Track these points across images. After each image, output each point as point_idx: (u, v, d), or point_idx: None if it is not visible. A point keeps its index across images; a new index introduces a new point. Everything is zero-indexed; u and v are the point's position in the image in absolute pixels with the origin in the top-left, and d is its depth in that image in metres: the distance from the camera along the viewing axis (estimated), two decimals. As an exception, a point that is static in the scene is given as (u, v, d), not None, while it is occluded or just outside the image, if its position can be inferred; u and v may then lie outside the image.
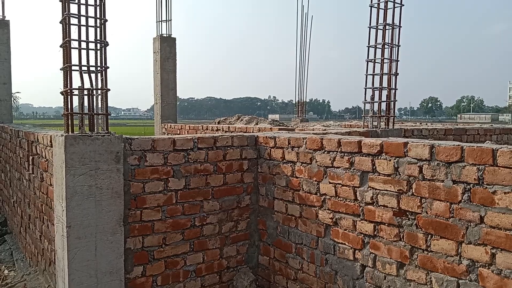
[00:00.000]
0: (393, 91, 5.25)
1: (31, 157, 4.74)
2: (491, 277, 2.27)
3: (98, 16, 3.23)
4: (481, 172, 2.29)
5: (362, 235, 2.98)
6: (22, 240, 5.56)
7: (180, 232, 3.58)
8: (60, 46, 3.20)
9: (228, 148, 3.80)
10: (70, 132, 3.17)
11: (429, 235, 2.56)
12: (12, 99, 8.97)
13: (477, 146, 2.32)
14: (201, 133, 7.69)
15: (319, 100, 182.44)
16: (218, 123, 8.86)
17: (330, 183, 3.21)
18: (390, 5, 5.10)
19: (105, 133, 3.23)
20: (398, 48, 5.23)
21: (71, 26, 3.16)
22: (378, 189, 2.84)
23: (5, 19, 8.45)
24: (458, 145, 2.41)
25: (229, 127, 7.09)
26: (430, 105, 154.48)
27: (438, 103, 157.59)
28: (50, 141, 3.71)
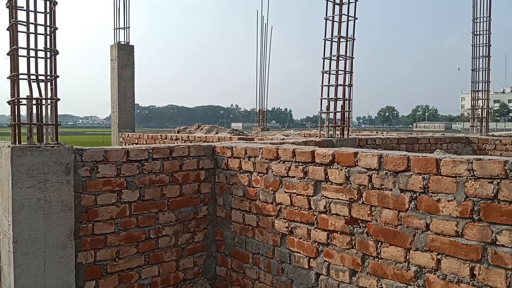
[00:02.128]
0: (348, 101, 5.40)
1: (-24, 169, 4.52)
2: (437, 282, 2.36)
3: (47, 23, 3.14)
4: (426, 181, 2.38)
5: (316, 243, 3.03)
6: (-34, 257, 5.27)
7: (134, 245, 3.50)
8: (7, 54, 3.08)
9: (185, 158, 3.77)
10: (17, 143, 3.05)
11: (379, 243, 2.63)
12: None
13: (422, 156, 2.42)
14: (160, 142, 7.59)
15: (281, 109, 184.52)
16: (178, 132, 8.78)
17: (285, 192, 3.25)
18: (344, 18, 5.25)
19: (54, 144, 3.12)
20: (352, 60, 5.39)
21: (19, 33, 3.05)
22: (331, 198, 2.90)
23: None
24: (405, 155, 2.50)
25: (188, 136, 7.03)
26: (387, 114, 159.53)
27: (395, 112, 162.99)
28: (-4, 152, 3.55)
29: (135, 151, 3.49)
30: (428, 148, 6.67)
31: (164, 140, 7.57)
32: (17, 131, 3.07)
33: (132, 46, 9.03)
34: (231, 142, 4.35)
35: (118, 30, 8.96)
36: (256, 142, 4.42)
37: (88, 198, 3.25)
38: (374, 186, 2.63)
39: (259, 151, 3.48)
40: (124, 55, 8.80)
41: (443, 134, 8.19)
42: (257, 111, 15.21)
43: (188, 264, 3.84)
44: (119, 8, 9.00)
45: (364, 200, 2.70)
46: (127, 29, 8.96)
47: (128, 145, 7.68)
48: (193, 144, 3.90)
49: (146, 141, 7.92)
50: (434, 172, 2.36)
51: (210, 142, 5.59)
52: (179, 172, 3.74)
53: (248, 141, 4.78)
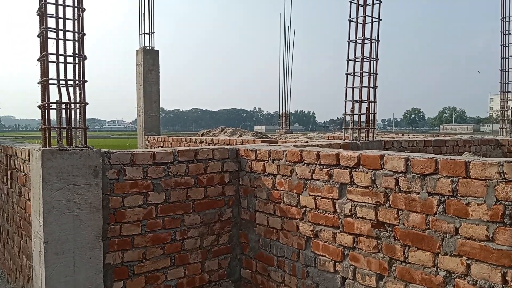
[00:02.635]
0: (373, 103, 5.33)
1: (9, 171, 4.67)
2: (467, 288, 2.30)
3: (76, 30, 3.22)
4: (455, 184, 2.33)
5: (342, 247, 3.00)
6: (0, 256, 5.44)
7: (160, 246, 3.55)
8: (38, 60, 3.18)
9: (209, 161, 3.80)
10: (47, 147, 3.13)
11: (407, 247, 2.59)
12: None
13: (450, 159, 2.37)
14: (184, 145, 7.67)
15: (304, 112, 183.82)
16: (202, 135, 8.85)
17: (310, 195, 3.23)
18: (368, 19, 5.20)
19: (83, 147, 3.20)
20: (376, 62, 5.32)
21: (49, 39, 3.14)
22: (357, 201, 2.87)
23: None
24: (433, 157, 2.45)
25: (212, 139, 7.09)
26: (413, 116, 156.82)
27: (421, 114, 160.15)
28: (28, 155, 3.66)
29: (161, 154, 3.53)
30: (456, 151, 6.51)
31: (188, 143, 7.65)
32: (47, 135, 3.16)
33: (157, 51, 9.17)
34: (255, 145, 4.36)
35: (143, 35, 9.12)
36: (279, 145, 4.42)
37: (116, 200, 3.31)
38: (401, 189, 2.59)
39: (283, 154, 3.48)
40: (149, 60, 8.95)
41: (472, 136, 8.00)
42: (280, 114, 15.19)
43: (213, 266, 3.86)
44: (144, 13, 9.17)
45: (390, 203, 2.65)
46: (152, 34, 9.11)
47: (154, 148, 7.79)
48: (217, 147, 3.93)
49: (171, 144, 8.02)
50: (463, 175, 2.30)
51: (233, 145, 5.62)
52: (204, 174, 3.77)
53: (271, 144, 4.78)
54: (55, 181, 3.03)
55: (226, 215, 3.93)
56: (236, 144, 5.79)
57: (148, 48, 9.05)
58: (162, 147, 8.14)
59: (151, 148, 8.25)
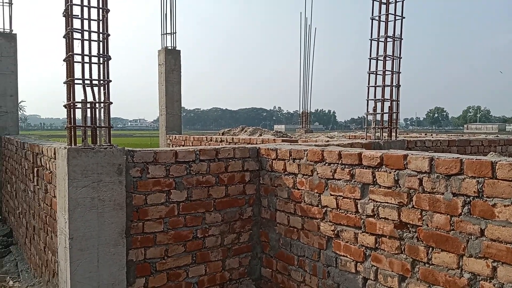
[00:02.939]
0: (395, 102, 5.26)
1: (35, 169, 4.79)
2: (492, 291, 2.25)
3: (100, 30, 3.28)
4: (481, 185, 2.28)
5: (364, 247, 2.97)
6: (27, 251, 5.59)
7: (182, 244, 3.59)
8: (64, 60, 3.25)
9: (230, 160, 3.82)
10: (73, 145, 3.20)
11: (430, 248, 2.55)
12: (19, 110, 9.07)
13: (476, 159, 2.32)
14: (205, 144, 7.73)
15: (324, 111, 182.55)
16: (222, 134, 8.89)
17: (331, 195, 3.21)
18: (391, 17, 5.13)
19: (107, 145, 3.26)
20: (399, 60, 5.25)
21: (74, 40, 3.21)
22: (379, 202, 2.84)
23: (13, 32, 8.59)
24: (458, 157, 2.41)
25: (232, 138, 7.12)
26: (436, 115, 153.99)
27: (445, 113, 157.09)
28: (54, 154, 3.75)
29: (183, 152, 3.57)
30: (481, 151, 6.37)
31: (209, 142, 7.70)
32: (73, 133, 3.23)
33: (179, 51, 9.26)
34: (275, 144, 4.36)
35: (165, 35, 9.22)
36: (300, 144, 4.41)
37: (139, 197, 3.37)
38: (425, 189, 2.55)
39: (304, 153, 3.47)
40: (171, 60, 9.04)
41: (497, 136, 7.81)
42: (300, 113, 15.14)
43: (233, 264, 3.88)
44: (166, 14, 9.26)
45: (414, 204, 2.62)
46: (174, 34, 9.19)
47: (175, 146, 7.88)
48: (238, 146, 3.95)
49: (192, 143, 8.09)
50: (489, 176, 2.25)
51: (254, 144, 5.63)
52: (225, 173, 3.80)
53: (292, 143, 4.78)
54: (80, 178, 3.09)
55: (247, 213, 3.94)
56: (256, 143, 5.80)
57: (170, 48, 9.14)
58: (183, 146, 8.22)
59: (172, 146, 8.34)
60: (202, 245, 3.69)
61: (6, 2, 8.61)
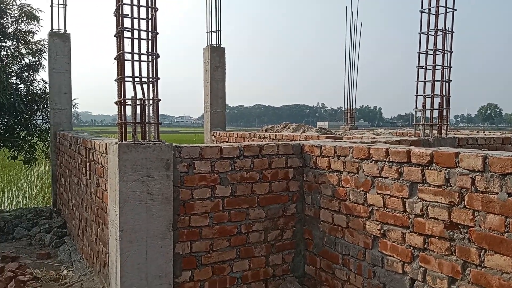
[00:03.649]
0: (446, 98, 5.06)
1: (88, 163, 5.01)
2: (552, 297, 2.13)
3: (149, 29, 3.37)
4: (540, 185, 2.16)
5: (412, 248, 2.89)
6: (79, 242, 5.86)
7: (226, 238, 3.64)
8: (115, 59, 3.37)
9: (274, 157, 3.82)
10: (123, 140, 3.32)
11: (483, 250, 2.44)
12: (72, 107, 9.51)
13: (535, 157, 2.20)
14: (248, 141, 7.78)
15: (370, 107, 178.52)
16: (265, 131, 8.91)
17: (378, 193, 3.15)
18: (441, 10, 4.93)
19: (156, 141, 3.35)
20: (450, 54, 5.04)
21: (125, 39, 3.32)
22: (428, 201, 2.75)
23: (67, 32, 9.01)
24: (514, 156, 2.29)
25: (276, 135, 7.12)
26: (488, 111, 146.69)
27: (498, 110, 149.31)
28: (105, 149, 3.91)
29: (228, 148, 3.62)
30: (540, 149, 6.02)
31: (252, 138, 7.75)
32: (123, 129, 3.35)
33: (224, 48, 9.36)
34: (320, 141, 4.32)
35: (210, 33, 9.34)
36: (345, 141, 4.34)
37: (186, 192, 3.45)
38: (478, 189, 2.44)
39: (349, 150, 3.41)
40: (216, 57, 9.15)
41: (558, 134, 7.33)
42: (345, 109, 14.88)
43: (277, 261, 3.90)
44: (211, 11, 9.38)
45: (466, 204, 2.51)
46: (219, 32, 9.30)
47: (219, 143, 7.98)
48: (281, 143, 3.95)
49: (235, 139, 8.17)
50: (550, 176, 2.12)
51: (297, 140, 5.60)
52: (268, 169, 3.81)
53: (336, 140, 4.71)
54: (130, 173, 3.20)
55: (290, 210, 3.94)
56: (299, 140, 5.77)
57: (214, 45, 9.26)
58: (227, 142, 8.31)
59: (216, 143, 8.46)
60: (246, 240, 3.73)
61: (61, 4, 9.03)
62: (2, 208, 12.01)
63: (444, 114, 5.12)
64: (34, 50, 10.22)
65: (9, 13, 9.60)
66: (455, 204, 2.58)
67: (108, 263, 3.82)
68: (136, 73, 3.35)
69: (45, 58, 10.18)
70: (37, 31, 10.15)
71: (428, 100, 5.03)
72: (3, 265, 4.89)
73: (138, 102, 3.36)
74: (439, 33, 4.97)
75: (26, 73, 10.53)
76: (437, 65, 4.98)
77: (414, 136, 5.32)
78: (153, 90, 3.40)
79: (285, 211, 3.91)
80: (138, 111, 3.37)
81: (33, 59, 10.41)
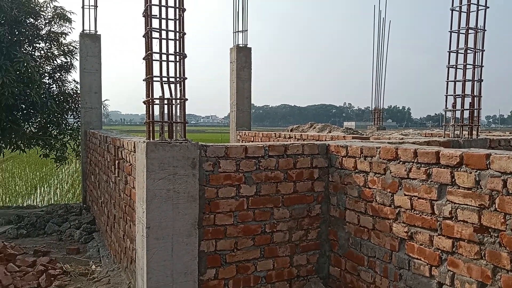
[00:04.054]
0: (477, 98, 4.93)
1: (117, 161, 5.12)
2: None
3: (177, 29, 3.42)
4: None
5: (440, 251, 2.83)
6: (107, 238, 6.00)
7: (251, 237, 3.65)
8: (143, 59, 3.43)
9: (299, 156, 3.81)
10: (151, 139, 3.38)
11: (515, 255, 2.36)
12: (102, 106, 9.73)
13: None
14: (273, 140, 7.78)
15: (398, 107, 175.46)
16: (291, 130, 8.89)
17: (405, 195, 3.09)
18: (473, 7, 4.80)
19: (182, 140, 3.40)
20: (482, 53, 4.90)
21: (153, 39, 3.38)
22: (457, 203, 2.68)
23: (97, 33, 9.22)
24: (550, 158, 2.21)
25: (301, 134, 7.09)
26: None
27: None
28: (134, 147, 3.99)
29: (253, 148, 3.63)
30: None
31: (278, 138, 7.74)
32: (151, 128, 3.40)
33: (250, 48, 9.38)
34: (346, 141, 4.28)
35: (237, 33, 9.38)
36: (372, 141, 4.28)
37: (211, 191, 3.48)
38: (510, 192, 2.36)
39: (376, 151, 3.37)
40: (242, 57, 9.19)
41: None
42: (372, 109, 14.67)
43: (301, 261, 3.88)
44: (238, 12, 9.42)
45: (497, 207, 2.44)
46: (245, 32, 9.33)
47: (245, 142, 8.01)
48: (307, 143, 3.93)
49: (261, 139, 8.18)
50: None
51: (323, 140, 5.57)
52: (293, 169, 3.80)
53: (363, 140, 4.65)
54: (158, 171, 3.26)
55: (315, 211, 3.92)
56: (325, 140, 5.73)
57: (241, 45, 9.29)
58: (252, 142, 8.34)
59: (242, 142, 8.49)
60: (270, 240, 3.74)
61: (92, 5, 9.26)
62: (35, 204, 12.42)
63: (475, 115, 4.98)
64: (66, 51, 10.51)
65: (43, 15, 9.90)
66: (486, 207, 2.51)
67: (135, 259, 3.89)
68: (164, 73, 3.40)
69: (76, 59, 10.46)
70: (69, 32, 10.43)
71: (459, 100, 4.91)
72: (35, 259, 5.05)
73: (165, 101, 3.41)
74: (470, 31, 4.84)
75: (58, 74, 10.84)
76: (468, 64, 4.85)
77: (444, 137, 5.20)
78: (180, 90, 3.44)
79: (310, 211, 3.89)
80: (166, 111, 3.42)
81: (65, 60, 10.71)
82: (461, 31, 4.87)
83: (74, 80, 11.04)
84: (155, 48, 3.39)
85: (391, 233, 3.22)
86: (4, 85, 7.93)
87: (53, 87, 10.86)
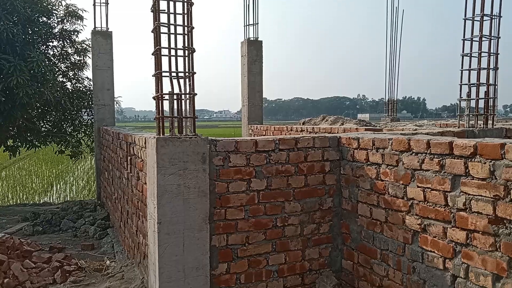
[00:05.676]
0: (492, 87, 4.82)
1: (129, 157, 5.15)
2: None
3: (185, 24, 3.40)
4: None
5: (453, 243, 2.78)
6: (121, 234, 6.06)
7: (262, 231, 3.64)
8: (152, 54, 3.43)
9: (310, 149, 3.78)
10: (161, 135, 3.38)
11: (532, 247, 2.30)
12: (115, 103, 9.79)
13: None
14: (285, 134, 7.73)
15: (413, 98, 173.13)
16: (303, 124, 8.84)
17: (418, 187, 3.04)
18: (488, -6, 4.69)
19: (192, 135, 3.39)
20: (497, 41, 4.79)
21: (162, 34, 3.37)
22: (472, 194, 2.62)
23: (109, 30, 9.27)
24: None
25: (313, 128, 7.04)
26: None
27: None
28: (145, 143, 4.00)
29: (263, 142, 3.61)
30: None
31: (289, 131, 7.70)
32: (161, 124, 3.41)
33: (261, 42, 9.32)
34: (357, 133, 4.22)
35: (247, 26, 9.33)
36: (384, 133, 4.23)
37: (221, 185, 3.47)
38: (526, 182, 2.30)
39: (388, 142, 3.31)
40: (253, 51, 9.13)
41: None
42: (386, 100, 14.51)
43: (313, 255, 3.86)
44: (248, 5, 9.36)
45: (512, 197, 2.38)
46: (256, 25, 9.27)
47: (257, 136, 7.99)
48: (317, 135, 3.89)
49: (273, 133, 8.15)
50: None
51: (335, 133, 5.51)
52: (304, 163, 3.77)
53: (375, 132, 4.59)
54: (168, 166, 3.26)
55: (327, 204, 3.88)
56: (337, 133, 5.67)
57: (252, 39, 9.24)
58: (264, 135, 8.31)
59: (254, 136, 8.47)
60: (281, 233, 3.72)
61: (103, 3, 9.30)
62: (51, 201, 12.63)
63: (490, 104, 4.88)
64: (79, 49, 10.61)
65: (55, 13, 9.99)
66: (501, 197, 2.44)
67: (147, 254, 3.91)
68: (173, 68, 3.39)
69: (89, 57, 10.56)
70: (81, 30, 10.52)
71: (474, 89, 4.81)
72: (51, 255, 5.13)
73: (175, 96, 3.41)
74: (485, 18, 4.72)
75: (72, 72, 10.96)
76: (483, 52, 4.74)
77: (458, 127, 5.10)
78: (190, 85, 3.43)
79: (322, 204, 3.86)
80: (175, 106, 3.42)
81: (79, 58, 10.81)
82: (475, 18, 4.76)
83: (88, 78, 11.16)
84: (164, 43, 3.38)
85: (404, 225, 3.17)
86: (18, 85, 8.04)
87: (67, 85, 10.98)
